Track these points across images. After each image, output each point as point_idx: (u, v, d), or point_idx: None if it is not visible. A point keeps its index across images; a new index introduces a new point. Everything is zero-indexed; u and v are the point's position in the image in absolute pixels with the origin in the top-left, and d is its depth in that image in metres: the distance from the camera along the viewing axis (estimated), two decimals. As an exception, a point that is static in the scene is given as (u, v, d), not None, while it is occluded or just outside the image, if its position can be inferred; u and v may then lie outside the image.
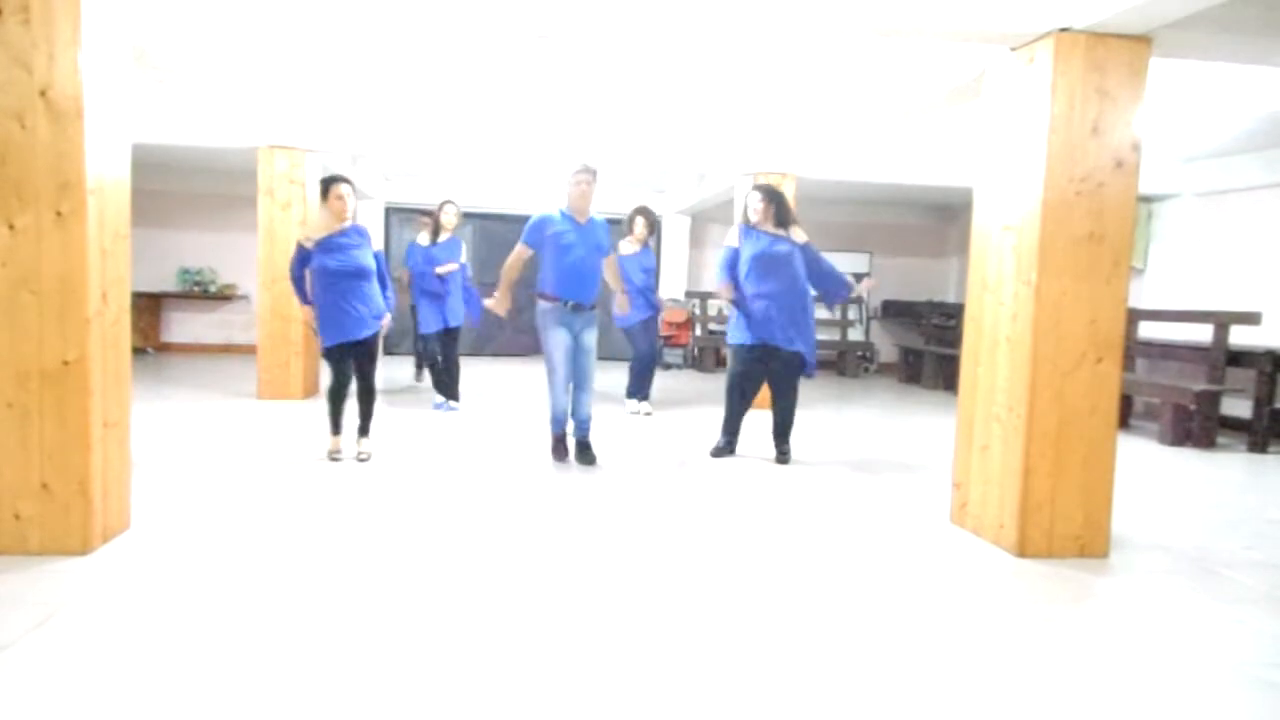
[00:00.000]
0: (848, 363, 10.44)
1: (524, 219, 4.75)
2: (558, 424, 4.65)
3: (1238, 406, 6.27)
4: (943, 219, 11.25)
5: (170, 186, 9.64)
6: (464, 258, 6.38)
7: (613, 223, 11.48)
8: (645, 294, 6.45)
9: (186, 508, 3.51)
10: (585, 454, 4.66)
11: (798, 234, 4.83)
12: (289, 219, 6.53)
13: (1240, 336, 6.19)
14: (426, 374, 7.34)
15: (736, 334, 4.88)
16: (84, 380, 2.84)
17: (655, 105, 5.49)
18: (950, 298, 11.05)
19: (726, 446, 5.01)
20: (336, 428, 4.53)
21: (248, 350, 9.21)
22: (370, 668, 2.12)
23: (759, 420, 5.49)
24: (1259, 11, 3.03)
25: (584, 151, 6.84)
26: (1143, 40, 3.10)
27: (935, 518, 3.78)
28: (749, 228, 4.85)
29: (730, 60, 4.42)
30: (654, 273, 6.80)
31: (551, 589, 2.75)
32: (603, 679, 2.12)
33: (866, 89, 4.74)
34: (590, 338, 4.59)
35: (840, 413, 7.17)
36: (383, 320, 4.47)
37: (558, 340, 4.47)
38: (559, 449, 4.69)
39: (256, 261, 6.66)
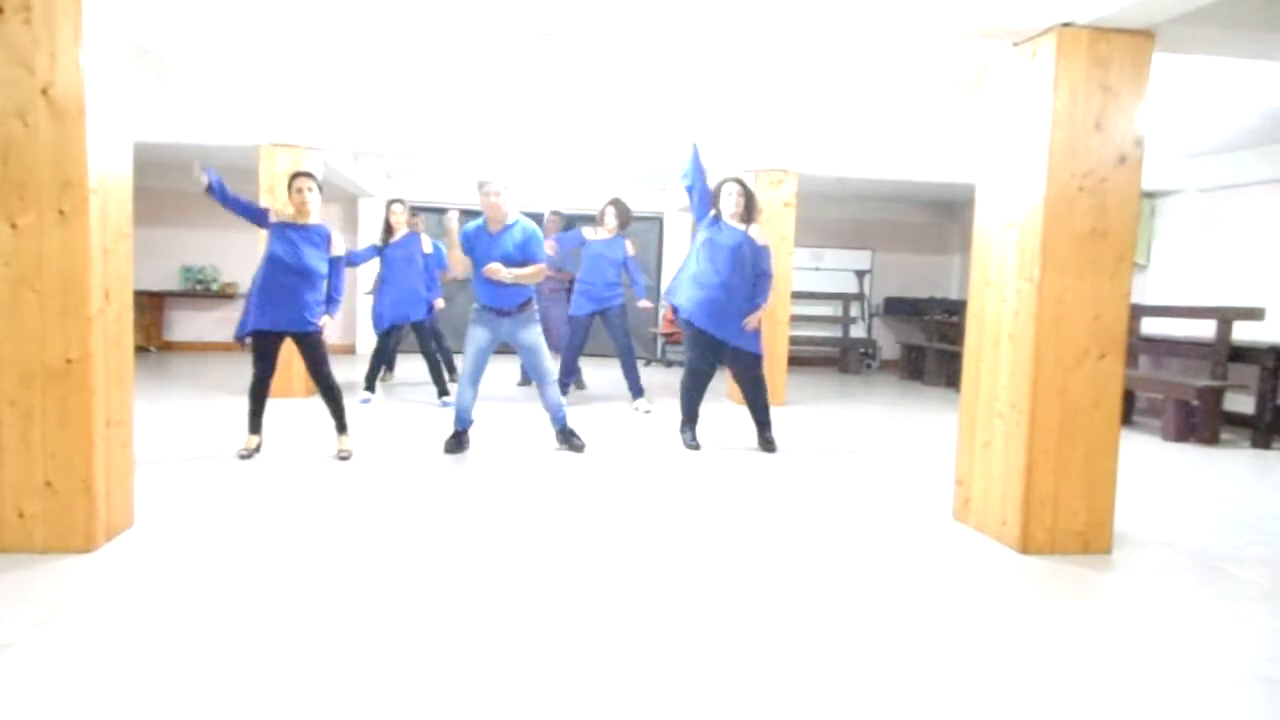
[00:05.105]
0: (850, 359, 10.43)
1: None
2: (461, 420, 4.73)
3: (1241, 402, 6.26)
4: (945, 215, 11.23)
5: (172, 185, 9.63)
6: (428, 248, 6.59)
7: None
8: (612, 285, 6.55)
9: (190, 506, 3.52)
10: (569, 440, 4.90)
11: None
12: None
13: (1243, 332, 6.18)
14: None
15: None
16: (86, 379, 2.85)
17: (657, 102, 5.48)
18: (952, 294, 11.04)
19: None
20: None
21: (250, 349, 9.17)
22: (370, 665, 2.12)
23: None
24: (1262, 6, 3.02)
25: (584, 149, 6.84)
26: (1146, 35, 3.09)
27: (937, 514, 3.78)
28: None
29: (731, 57, 4.41)
30: (619, 264, 6.64)
31: (550, 587, 2.75)
32: (602, 674, 2.12)
33: (868, 85, 4.73)
34: (525, 337, 4.69)
35: (842, 409, 7.16)
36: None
37: (474, 337, 4.65)
38: (457, 441, 4.74)
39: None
